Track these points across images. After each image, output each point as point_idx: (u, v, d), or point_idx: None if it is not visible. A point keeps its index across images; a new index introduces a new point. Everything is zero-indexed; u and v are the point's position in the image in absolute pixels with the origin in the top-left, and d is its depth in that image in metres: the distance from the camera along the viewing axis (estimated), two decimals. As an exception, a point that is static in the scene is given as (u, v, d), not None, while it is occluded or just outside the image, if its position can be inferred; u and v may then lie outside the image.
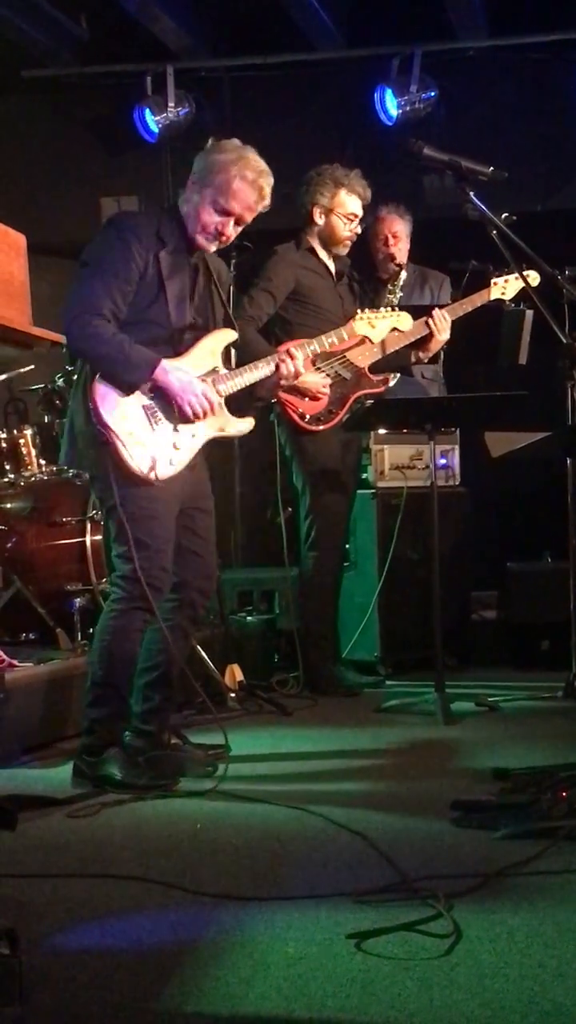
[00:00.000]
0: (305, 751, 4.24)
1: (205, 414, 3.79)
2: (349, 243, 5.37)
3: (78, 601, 4.90)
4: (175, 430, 3.80)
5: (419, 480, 5.64)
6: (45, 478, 5.28)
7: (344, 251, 5.40)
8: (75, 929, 2.52)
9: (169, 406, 3.77)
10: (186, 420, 3.78)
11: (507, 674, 5.63)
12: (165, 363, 3.72)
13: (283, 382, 4.06)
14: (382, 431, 5.68)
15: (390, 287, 5.59)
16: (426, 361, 5.46)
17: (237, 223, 3.84)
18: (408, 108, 7.00)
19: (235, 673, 5.10)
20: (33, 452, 5.32)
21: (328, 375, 5.17)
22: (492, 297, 5.28)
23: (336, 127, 7.29)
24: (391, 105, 7.02)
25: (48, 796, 3.57)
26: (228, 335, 3.94)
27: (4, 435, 5.36)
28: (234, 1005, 2.13)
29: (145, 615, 3.76)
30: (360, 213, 5.32)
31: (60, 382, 5.51)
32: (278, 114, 7.35)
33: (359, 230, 5.37)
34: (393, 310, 4.81)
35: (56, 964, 2.31)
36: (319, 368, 5.17)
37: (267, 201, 3.85)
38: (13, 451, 5.32)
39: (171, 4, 6.72)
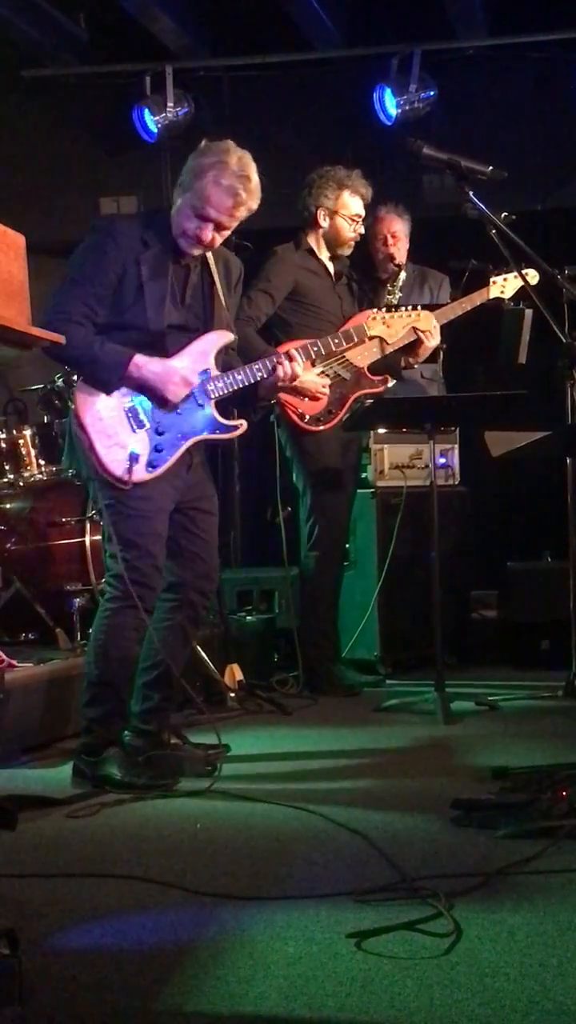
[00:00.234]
0: (305, 751, 4.24)
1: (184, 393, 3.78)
2: (353, 243, 5.37)
3: (78, 601, 4.90)
4: (158, 433, 3.78)
5: (419, 479, 5.64)
6: (44, 478, 5.29)
7: (348, 252, 5.40)
8: (75, 929, 2.52)
9: (153, 407, 3.77)
10: (169, 407, 3.77)
11: (507, 673, 5.63)
12: (138, 358, 3.72)
13: (280, 384, 4.01)
14: (382, 430, 5.68)
15: (389, 287, 5.59)
16: (415, 366, 5.46)
17: (218, 228, 3.79)
18: (407, 107, 7.00)
19: (235, 673, 5.10)
20: (33, 452, 5.33)
21: (327, 375, 5.17)
22: (491, 296, 5.28)
23: (335, 127, 7.29)
24: (390, 104, 7.02)
25: (48, 796, 3.57)
26: (223, 337, 3.90)
27: (4, 435, 5.36)
28: (234, 1004, 2.13)
29: (140, 614, 3.76)
30: (363, 213, 5.32)
31: (60, 382, 5.51)
32: (277, 114, 7.35)
33: (363, 230, 5.37)
34: (414, 309, 4.75)
35: (56, 964, 2.31)
36: (318, 368, 5.17)
37: (250, 205, 3.79)
38: (13, 451, 5.33)
39: (170, 4, 6.72)
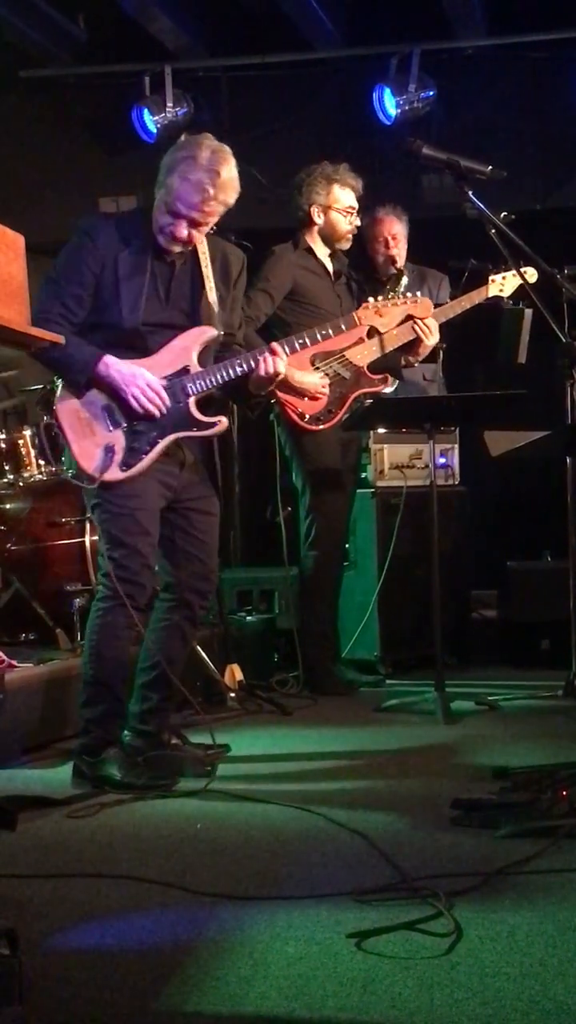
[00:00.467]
0: (305, 751, 4.24)
1: (157, 407, 3.73)
2: (351, 237, 5.37)
3: (77, 601, 4.90)
4: (134, 431, 3.77)
5: (419, 479, 5.64)
6: (44, 479, 5.28)
7: (347, 246, 5.40)
8: (75, 929, 2.52)
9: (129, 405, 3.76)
10: (138, 415, 3.75)
11: (507, 673, 5.63)
12: (107, 359, 3.70)
13: (263, 380, 3.90)
14: (381, 430, 5.68)
15: (390, 288, 5.58)
16: (415, 365, 5.47)
17: (193, 224, 3.75)
18: (407, 107, 7.00)
19: (235, 673, 5.10)
20: (32, 453, 5.32)
21: (327, 374, 5.17)
22: (490, 294, 5.29)
23: (335, 126, 7.29)
24: (390, 104, 7.02)
25: (48, 796, 3.57)
26: (204, 333, 3.84)
27: (3, 436, 5.36)
28: (234, 1005, 2.13)
29: (133, 612, 3.75)
30: (356, 205, 5.32)
31: (59, 383, 5.50)
32: (276, 114, 7.35)
33: (358, 222, 5.37)
34: (410, 296, 4.67)
35: (56, 964, 2.31)
36: (318, 368, 5.17)
37: (222, 199, 3.72)
38: (12, 452, 5.33)
39: (169, 4, 6.72)
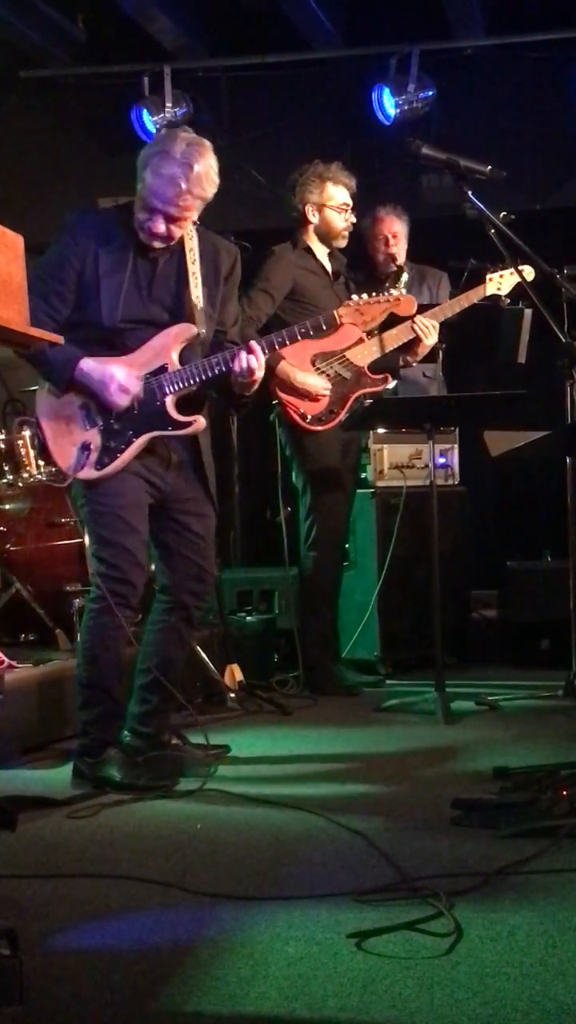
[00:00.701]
0: (305, 751, 4.24)
1: (133, 401, 3.71)
2: (347, 234, 5.36)
3: (77, 602, 4.90)
4: (111, 430, 3.74)
5: (418, 479, 5.64)
6: (43, 479, 5.28)
7: (343, 243, 5.38)
8: (75, 929, 2.52)
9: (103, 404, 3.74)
10: (120, 414, 3.73)
11: (507, 673, 5.63)
12: (84, 364, 3.68)
13: (240, 378, 3.79)
14: (381, 430, 5.68)
15: (390, 287, 5.58)
16: (413, 365, 5.46)
17: (171, 220, 3.70)
18: (406, 107, 7.00)
19: (235, 673, 5.10)
20: (32, 453, 5.32)
21: (328, 375, 5.17)
22: (488, 293, 5.29)
23: (334, 127, 7.29)
24: (389, 104, 7.02)
25: (48, 797, 3.57)
26: (185, 331, 3.79)
27: (3, 436, 5.36)
28: (234, 1005, 2.13)
29: (125, 611, 3.74)
30: (350, 202, 5.31)
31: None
32: (276, 114, 7.35)
33: (354, 219, 5.36)
34: (393, 293, 4.39)
35: (56, 964, 2.31)
36: (319, 368, 5.18)
37: (197, 193, 3.67)
38: (12, 452, 5.33)
39: (168, 4, 6.72)
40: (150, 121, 7.22)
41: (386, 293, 4.27)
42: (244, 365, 3.77)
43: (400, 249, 5.85)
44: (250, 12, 6.96)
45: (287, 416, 5.21)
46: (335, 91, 7.34)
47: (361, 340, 5.20)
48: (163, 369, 3.77)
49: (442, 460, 5.74)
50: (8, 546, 5.11)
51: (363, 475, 5.71)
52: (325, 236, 5.34)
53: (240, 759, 4.07)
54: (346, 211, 5.31)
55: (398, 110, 6.99)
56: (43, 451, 5.17)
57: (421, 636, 5.37)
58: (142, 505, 3.80)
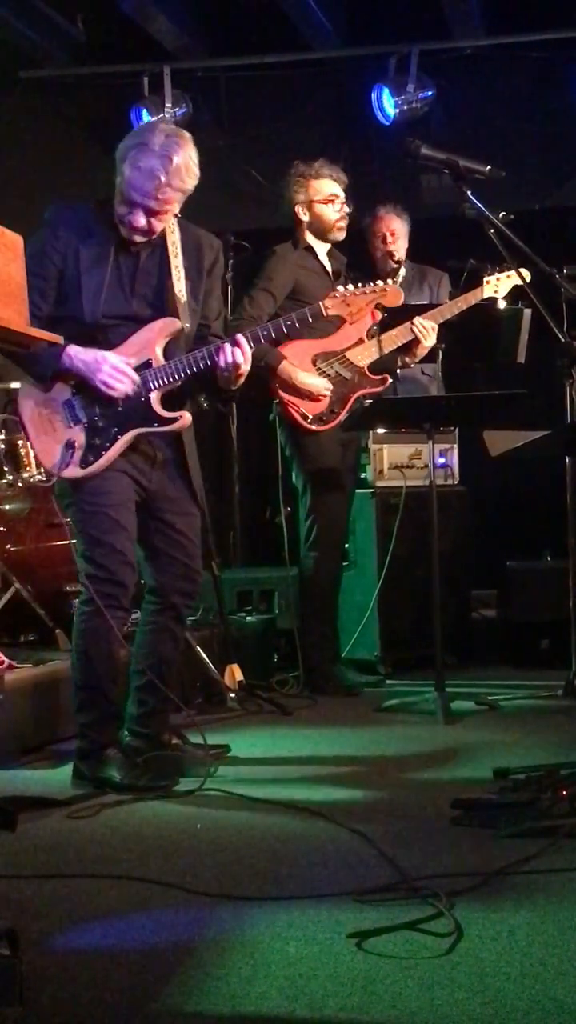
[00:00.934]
0: (305, 751, 4.24)
1: (127, 387, 3.65)
2: (343, 226, 5.32)
3: (76, 602, 4.88)
4: (95, 427, 3.69)
5: (418, 479, 5.64)
6: (44, 479, 5.28)
7: (340, 235, 5.36)
8: (75, 929, 2.52)
9: (91, 401, 3.69)
10: (109, 400, 3.67)
11: (507, 673, 5.63)
12: (70, 349, 3.62)
13: (225, 372, 3.73)
14: (381, 430, 5.69)
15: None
16: (411, 366, 5.47)
17: (151, 213, 3.66)
18: (405, 107, 7.00)
19: (235, 673, 5.09)
20: (31, 453, 5.32)
21: (328, 375, 5.18)
22: (485, 295, 5.29)
23: (333, 127, 7.30)
24: (388, 104, 7.03)
25: (48, 797, 3.57)
26: (169, 325, 3.74)
27: (3, 436, 5.35)
28: (235, 1005, 2.12)
29: (117, 612, 3.71)
30: (340, 193, 5.30)
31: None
32: (275, 114, 7.36)
33: (347, 209, 5.33)
34: (379, 284, 4.31)
35: (56, 964, 2.31)
36: (320, 369, 5.18)
37: (177, 185, 3.63)
38: (11, 452, 5.32)
39: (167, 4, 6.72)
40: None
41: (372, 284, 4.21)
42: (230, 359, 3.71)
43: (398, 247, 5.86)
44: (249, 12, 6.97)
45: (288, 416, 5.21)
46: (334, 91, 7.35)
47: (361, 341, 5.21)
48: (147, 364, 3.72)
49: (442, 460, 5.75)
50: (8, 546, 5.11)
51: (363, 475, 5.72)
52: (321, 231, 5.34)
53: (240, 759, 4.07)
54: (334, 202, 5.29)
55: (397, 110, 7.00)
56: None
57: (421, 636, 5.36)
58: (129, 503, 3.76)
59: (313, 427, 5.20)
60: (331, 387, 5.17)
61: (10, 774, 3.95)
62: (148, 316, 3.76)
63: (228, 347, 3.71)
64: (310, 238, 5.36)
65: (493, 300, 5.30)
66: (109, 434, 3.71)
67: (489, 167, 4.02)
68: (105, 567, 3.69)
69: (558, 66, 6.98)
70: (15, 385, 5.19)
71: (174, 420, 3.76)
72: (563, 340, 3.70)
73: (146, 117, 7.21)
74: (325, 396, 5.17)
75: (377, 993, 2.14)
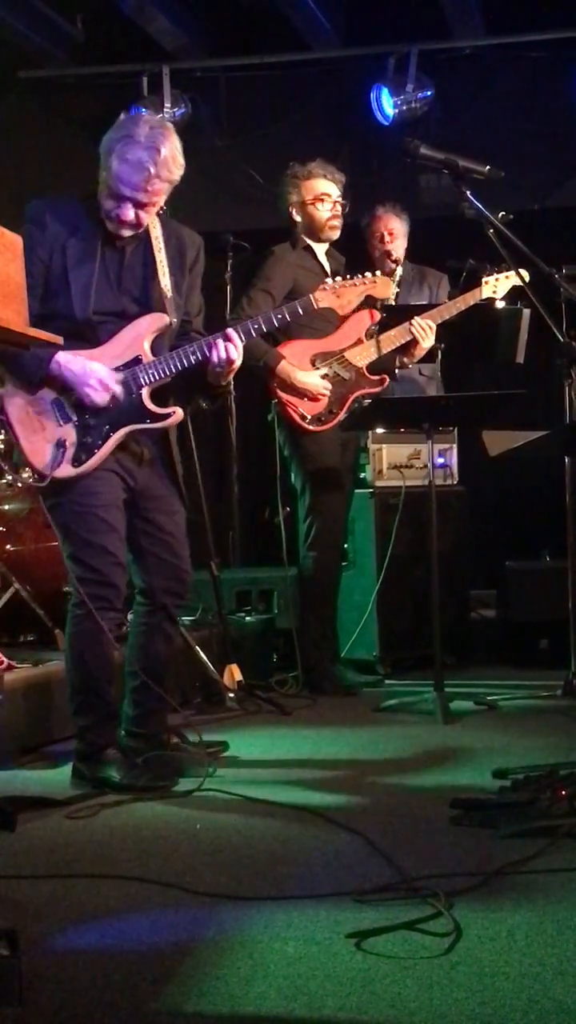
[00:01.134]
0: (304, 751, 4.24)
1: (112, 400, 3.63)
2: (337, 224, 5.31)
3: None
4: (86, 425, 3.66)
5: (417, 479, 5.64)
6: (38, 480, 5.26)
7: (335, 234, 5.34)
8: (75, 929, 2.52)
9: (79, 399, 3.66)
10: (96, 409, 3.65)
11: (506, 673, 5.63)
12: (60, 356, 3.59)
13: (218, 367, 3.71)
14: (380, 430, 5.69)
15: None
16: (410, 366, 5.47)
17: (139, 206, 3.63)
18: (404, 107, 7.01)
19: (234, 673, 5.09)
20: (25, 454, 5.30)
21: (327, 375, 5.18)
22: (483, 296, 5.29)
23: (332, 127, 7.30)
24: (387, 104, 7.03)
25: (47, 797, 3.56)
26: (156, 321, 3.71)
27: (2, 436, 5.34)
28: (234, 1005, 2.13)
29: (110, 614, 3.69)
30: (331, 192, 5.29)
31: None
32: (274, 114, 7.36)
33: (339, 209, 5.32)
34: (370, 276, 4.23)
35: (56, 964, 2.31)
36: (318, 369, 5.18)
37: (165, 177, 3.60)
38: (10, 452, 5.31)
39: (166, 4, 6.73)
40: (149, 121, 7.22)
41: (361, 276, 4.18)
42: (222, 354, 3.69)
43: (397, 247, 5.85)
44: (249, 12, 6.97)
45: (286, 416, 5.21)
46: (333, 91, 7.35)
47: (360, 341, 5.22)
48: (137, 361, 3.70)
49: (441, 460, 5.75)
50: (7, 546, 5.11)
51: (362, 475, 5.72)
52: (313, 231, 5.33)
53: (239, 759, 4.07)
54: (326, 200, 5.28)
55: (396, 110, 7.00)
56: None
57: (420, 636, 5.37)
58: (119, 503, 3.74)
59: (311, 427, 5.20)
60: (330, 387, 5.17)
61: (9, 774, 3.95)
62: (135, 312, 3.73)
63: (220, 342, 3.70)
64: (307, 238, 5.36)
65: (492, 300, 5.30)
66: (101, 432, 3.67)
67: (488, 167, 4.02)
68: (96, 569, 3.66)
69: (558, 66, 6.98)
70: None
71: (167, 416, 3.74)
72: (562, 340, 3.70)
73: (145, 117, 7.20)
74: (323, 396, 5.18)
75: (376, 993, 2.14)
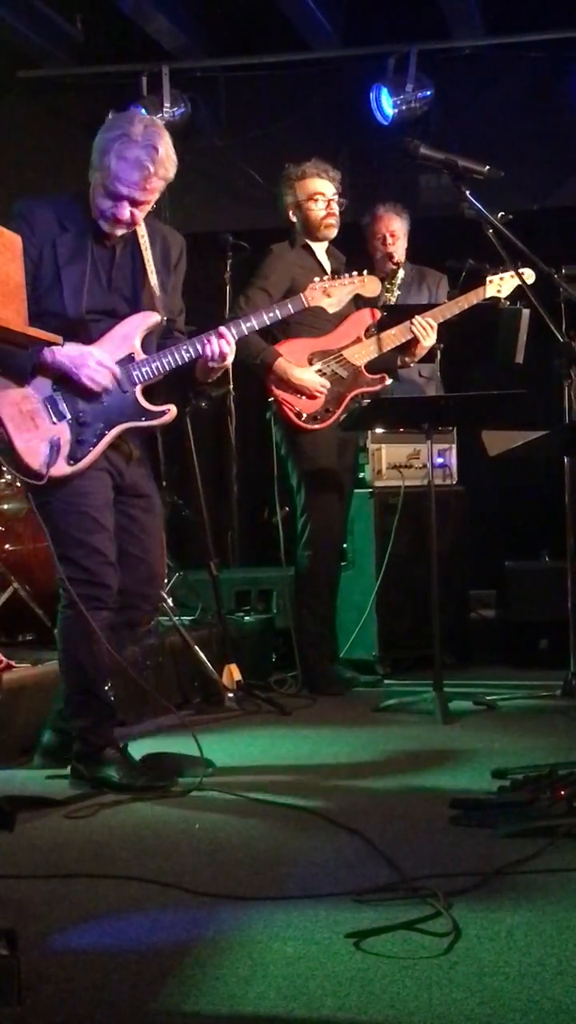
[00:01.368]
0: (303, 751, 4.24)
1: (110, 380, 3.61)
2: (333, 222, 5.31)
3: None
4: (80, 423, 3.63)
5: (416, 479, 5.64)
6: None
7: (331, 233, 5.34)
8: (75, 929, 2.52)
9: (74, 396, 3.63)
10: (92, 396, 3.62)
11: (505, 673, 5.63)
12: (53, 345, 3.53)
13: (211, 364, 3.72)
14: (379, 430, 5.69)
15: (387, 285, 5.58)
16: (410, 365, 5.47)
17: (135, 204, 3.62)
18: (404, 107, 7.01)
19: (233, 673, 5.09)
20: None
21: (325, 373, 5.18)
22: (487, 295, 5.29)
23: (332, 127, 7.30)
24: (387, 104, 7.03)
25: (46, 797, 3.56)
26: (147, 318, 3.71)
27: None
28: (233, 1005, 2.13)
29: (102, 614, 3.66)
30: (326, 190, 5.28)
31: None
32: (274, 114, 7.36)
33: (335, 208, 5.32)
34: (359, 274, 4.31)
35: (55, 964, 2.31)
36: (316, 367, 5.18)
37: (161, 174, 3.60)
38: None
39: (166, 4, 6.73)
40: (148, 121, 7.23)
41: (349, 274, 4.20)
42: (216, 350, 3.70)
43: (398, 248, 5.86)
44: (248, 12, 6.97)
45: (283, 414, 5.21)
46: (333, 91, 7.35)
47: (359, 339, 5.21)
48: (130, 358, 3.69)
49: (440, 460, 5.75)
50: (6, 546, 5.11)
51: (361, 475, 5.72)
52: (311, 230, 5.32)
53: (239, 759, 4.06)
54: (320, 199, 5.27)
55: (396, 110, 7.01)
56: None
57: (419, 636, 5.37)
58: (110, 501, 3.72)
59: (307, 425, 5.19)
60: (327, 384, 5.16)
61: (8, 774, 3.95)
62: (126, 311, 3.73)
63: (214, 338, 3.70)
64: (305, 237, 5.36)
65: (495, 300, 5.30)
66: (95, 429, 3.65)
67: (488, 167, 4.03)
68: (88, 569, 3.63)
69: (558, 66, 6.98)
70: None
71: (162, 414, 3.73)
72: (562, 340, 3.71)
73: (145, 117, 7.21)
74: (320, 394, 5.17)
75: (375, 993, 2.14)
